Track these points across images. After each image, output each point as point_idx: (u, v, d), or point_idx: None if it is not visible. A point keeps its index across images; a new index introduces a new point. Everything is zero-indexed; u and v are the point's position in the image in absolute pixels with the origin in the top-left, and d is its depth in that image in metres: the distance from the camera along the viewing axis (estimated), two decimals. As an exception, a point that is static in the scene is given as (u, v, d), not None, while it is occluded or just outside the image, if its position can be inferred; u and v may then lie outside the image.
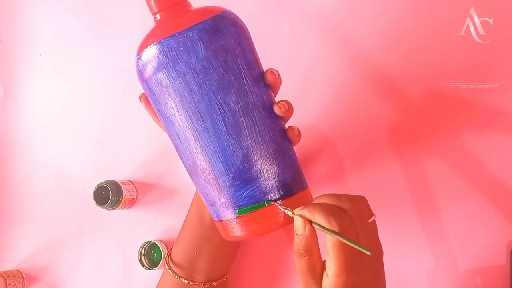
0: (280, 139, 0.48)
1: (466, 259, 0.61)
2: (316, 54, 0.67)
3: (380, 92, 0.65)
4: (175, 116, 0.46)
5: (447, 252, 0.62)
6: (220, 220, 0.49)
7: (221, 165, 0.46)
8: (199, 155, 0.47)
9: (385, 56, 0.65)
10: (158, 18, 0.47)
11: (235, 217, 0.47)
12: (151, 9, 0.47)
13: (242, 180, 0.46)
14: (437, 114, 0.63)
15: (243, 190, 0.46)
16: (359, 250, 0.40)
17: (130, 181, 0.72)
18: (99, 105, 0.75)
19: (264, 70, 0.48)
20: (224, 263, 0.61)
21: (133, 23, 0.73)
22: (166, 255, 0.63)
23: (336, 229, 0.40)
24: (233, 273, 0.66)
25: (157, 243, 0.68)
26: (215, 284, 0.59)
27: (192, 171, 0.49)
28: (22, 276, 0.74)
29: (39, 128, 0.77)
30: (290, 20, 0.68)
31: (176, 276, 0.58)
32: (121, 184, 0.68)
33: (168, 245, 0.69)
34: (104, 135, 0.74)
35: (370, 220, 0.44)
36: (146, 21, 0.76)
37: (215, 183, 0.47)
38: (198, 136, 0.46)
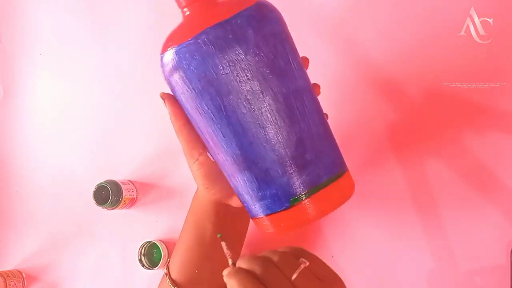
0: (325, 121, 0.48)
1: (466, 259, 0.61)
2: (315, 54, 0.67)
3: (380, 92, 0.65)
4: (220, 110, 0.43)
5: (447, 252, 0.62)
6: (276, 212, 0.45)
7: (273, 154, 0.44)
8: (248, 147, 0.44)
9: (385, 56, 0.65)
10: (187, 12, 0.45)
11: (295, 204, 0.44)
12: (179, 3, 0.45)
13: (297, 166, 0.44)
14: (437, 114, 0.63)
15: (297, 177, 0.44)
16: None
17: (130, 181, 0.72)
18: (99, 105, 0.75)
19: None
20: None
21: (133, 23, 0.73)
22: (166, 269, 0.60)
23: None
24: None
25: (157, 243, 0.68)
26: None
27: (236, 168, 0.46)
28: (22, 276, 0.74)
29: (39, 128, 0.77)
30: (290, 20, 0.68)
31: None
32: (121, 184, 0.68)
33: (168, 245, 0.69)
34: (104, 135, 0.74)
35: (294, 276, 0.40)
36: (146, 21, 0.76)
37: (267, 174, 0.44)
38: (248, 127, 0.43)
